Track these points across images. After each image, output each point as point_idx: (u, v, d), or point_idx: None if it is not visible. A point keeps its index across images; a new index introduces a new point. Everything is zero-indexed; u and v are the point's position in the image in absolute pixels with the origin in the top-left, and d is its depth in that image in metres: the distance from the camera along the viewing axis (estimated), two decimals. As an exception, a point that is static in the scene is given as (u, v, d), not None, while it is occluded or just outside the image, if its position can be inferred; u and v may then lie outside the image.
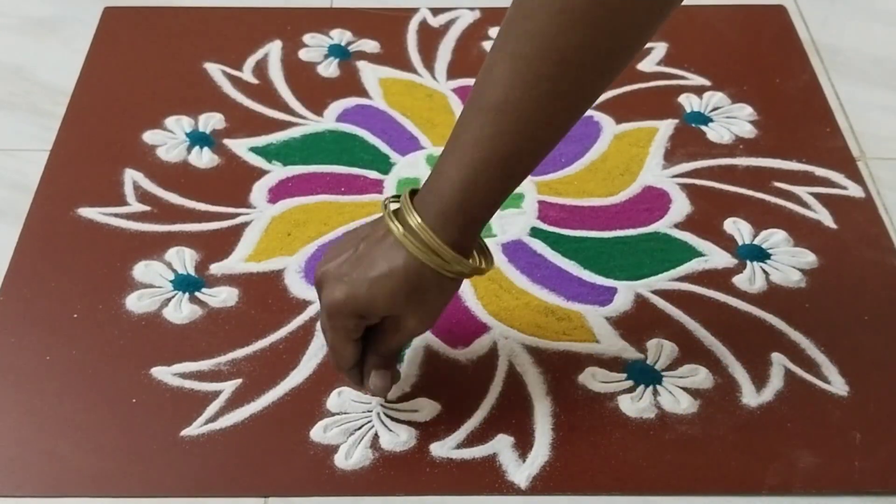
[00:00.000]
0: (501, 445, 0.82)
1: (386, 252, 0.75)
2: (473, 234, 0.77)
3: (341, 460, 0.81)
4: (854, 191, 1.03)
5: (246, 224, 0.98)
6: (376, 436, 0.83)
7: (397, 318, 0.77)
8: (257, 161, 1.05)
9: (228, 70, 1.14)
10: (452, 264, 0.75)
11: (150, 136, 1.07)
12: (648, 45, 1.18)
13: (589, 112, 1.09)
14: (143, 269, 0.94)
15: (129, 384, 0.86)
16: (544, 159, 0.77)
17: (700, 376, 0.87)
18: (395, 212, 0.77)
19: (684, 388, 0.86)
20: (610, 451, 0.82)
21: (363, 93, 1.12)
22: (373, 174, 1.04)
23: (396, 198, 0.78)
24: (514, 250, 0.97)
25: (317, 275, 0.79)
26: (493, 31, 1.19)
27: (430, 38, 1.19)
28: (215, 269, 0.94)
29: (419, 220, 0.75)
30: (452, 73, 1.15)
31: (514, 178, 0.76)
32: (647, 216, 1.00)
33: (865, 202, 1.02)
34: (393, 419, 0.83)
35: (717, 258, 0.96)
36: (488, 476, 0.80)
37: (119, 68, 1.15)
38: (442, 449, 0.82)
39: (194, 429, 0.83)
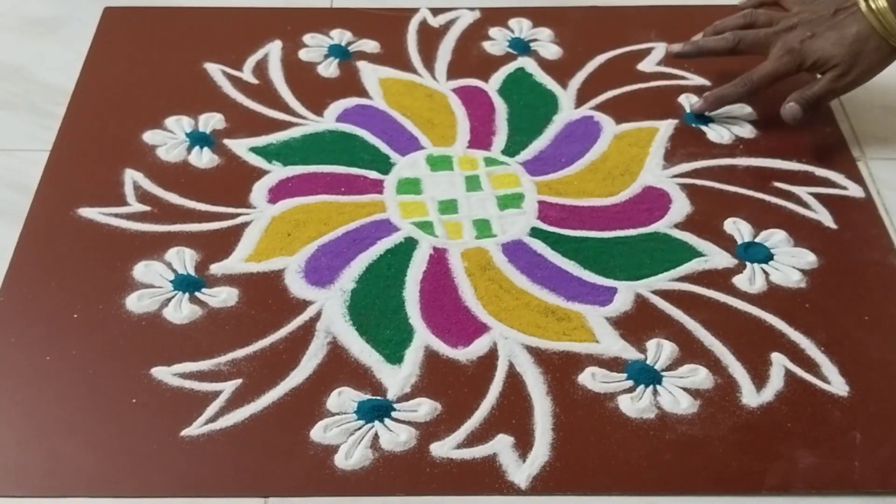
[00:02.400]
0: (501, 445, 0.82)
1: (851, 19, 1.02)
2: None
3: (341, 460, 0.81)
4: (854, 191, 1.03)
5: (246, 224, 0.98)
6: (376, 436, 0.83)
7: (838, 71, 1.02)
8: (257, 161, 1.05)
9: (228, 70, 1.14)
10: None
11: (150, 136, 1.07)
12: (648, 44, 1.18)
13: (588, 112, 1.11)
14: (143, 269, 0.94)
15: (129, 384, 0.86)
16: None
17: (700, 376, 0.87)
18: None
19: (684, 388, 0.86)
20: (610, 451, 0.82)
21: (363, 93, 1.12)
22: (373, 174, 1.04)
23: None
24: (514, 250, 0.97)
25: (790, 23, 1.05)
26: (493, 31, 1.20)
27: (430, 38, 1.19)
28: (215, 269, 0.95)
29: (884, 4, 1.00)
30: (452, 73, 1.15)
31: None
32: (647, 216, 1.00)
33: (865, 202, 1.02)
34: (393, 419, 0.84)
35: (717, 258, 0.96)
36: (488, 476, 0.80)
37: (119, 68, 1.15)
38: (442, 449, 0.82)
39: (194, 429, 0.83)
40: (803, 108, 1.03)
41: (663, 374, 0.87)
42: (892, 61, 1.03)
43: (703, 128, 1.09)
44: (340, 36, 1.19)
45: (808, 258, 0.96)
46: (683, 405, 0.85)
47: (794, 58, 1.04)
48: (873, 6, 1.01)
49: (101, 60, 1.16)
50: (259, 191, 1.02)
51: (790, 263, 0.96)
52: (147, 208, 1.00)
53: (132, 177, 1.02)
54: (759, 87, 1.05)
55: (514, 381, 0.87)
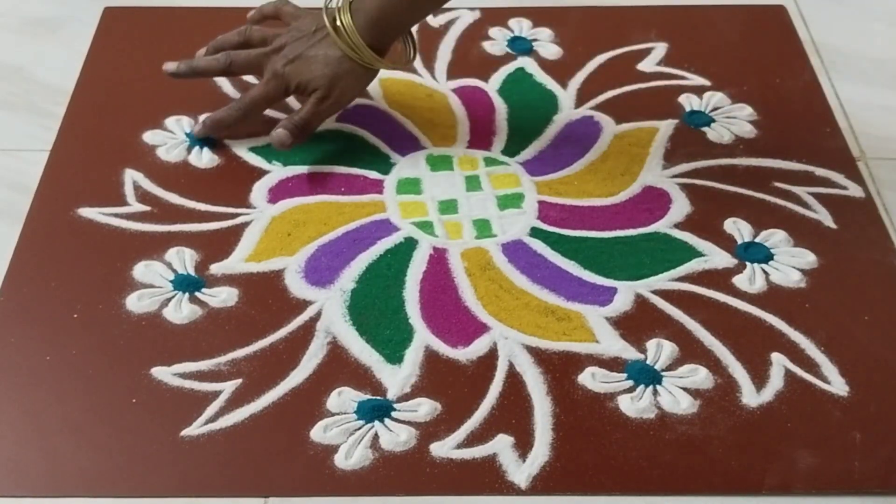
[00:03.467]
0: (501, 445, 0.82)
1: (327, 40, 1.01)
2: (389, 40, 1.02)
3: (341, 460, 0.81)
4: (854, 191, 1.03)
5: (246, 224, 0.98)
6: (376, 436, 0.83)
7: (319, 95, 1.02)
8: (257, 161, 1.05)
9: (228, 70, 1.14)
10: (367, 59, 1.01)
11: (150, 136, 1.07)
12: (648, 44, 1.18)
13: (588, 112, 1.10)
14: (143, 269, 0.94)
15: (129, 384, 0.86)
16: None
17: (700, 376, 0.87)
18: (334, 8, 1.00)
19: (684, 388, 0.86)
20: (610, 451, 0.82)
21: (363, 93, 1.12)
22: (373, 174, 1.04)
23: None
24: (515, 250, 0.97)
25: (280, 43, 1.03)
26: (493, 31, 1.19)
27: (430, 38, 1.19)
28: (215, 269, 0.95)
29: (349, 20, 0.99)
30: (452, 73, 1.15)
31: (418, 10, 1.04)
32: (647, 216, 1.00)
33: (865, 202, 1.02)
34: (393, 419, 0.84)
35: (717, 258, 0.96)
36: (488, 476, 0.80)
37: (119, 68, 1.15)
38: (442, 449, 0.82)
39: (194, 429, 0.83)
40: (292, 133, 1.01)
41: (663, 374, 0.87)
42: (369, 80, 1.04)
43: (704, 128, 1.09)
44: (340, 36, 1.19)
45: (808, 258, 0.96)
46: (683, 405, 0.85)
47: (280, 82, 1.02)
48: (340, 25, 1.00)
49: (101, 60, 1.16)
50: (259, 191, 1.02)
51: (790, 263, 0.96)
52: (147, 208, 1.00)
53: (132, 177, 1.02)
54: (251, 111, 1.04)
55: (514, 381, 0.87)
